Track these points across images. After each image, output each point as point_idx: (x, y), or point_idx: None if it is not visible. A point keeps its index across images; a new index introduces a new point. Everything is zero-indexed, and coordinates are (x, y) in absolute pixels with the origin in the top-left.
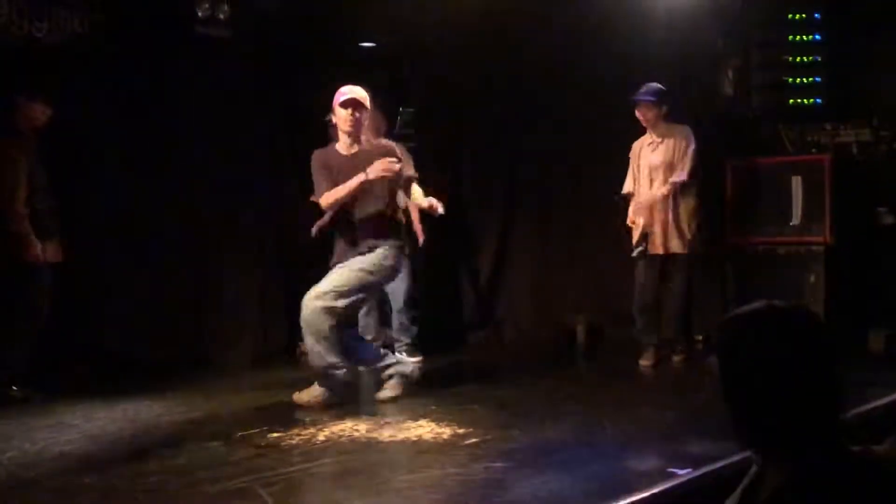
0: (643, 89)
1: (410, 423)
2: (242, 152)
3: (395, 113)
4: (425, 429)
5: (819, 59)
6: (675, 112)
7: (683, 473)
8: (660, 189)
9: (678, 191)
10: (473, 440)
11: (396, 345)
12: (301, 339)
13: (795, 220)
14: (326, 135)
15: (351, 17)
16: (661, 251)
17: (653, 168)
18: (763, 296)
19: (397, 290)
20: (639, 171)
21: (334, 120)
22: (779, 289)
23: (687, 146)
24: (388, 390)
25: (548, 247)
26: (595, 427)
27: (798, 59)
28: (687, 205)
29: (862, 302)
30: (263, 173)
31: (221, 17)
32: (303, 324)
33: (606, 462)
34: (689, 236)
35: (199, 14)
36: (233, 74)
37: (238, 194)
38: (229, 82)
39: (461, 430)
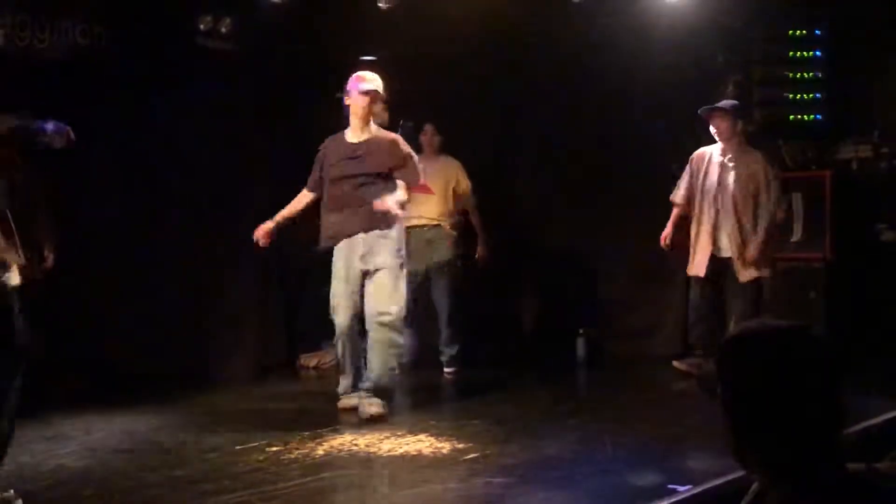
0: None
1: (410, 438)
2: (243, 164)
3: (395, 126)
4: (425, 443)
5: (819, 76)
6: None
7: (684, 490)
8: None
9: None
10: (473, 455)
11: (441, 357)
12: (302, 352)
13: (796, 237)
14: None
15: (351, 30)
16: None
17: (721, 188)
18: (764, 311)
19: (441, 304)
20: (702, 183)
21: (347, 101)
22: (778, 305)
23: (768, 177)
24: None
25: (548, 261)
26: (595, 443)
27: (799, 75)
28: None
29: (862, 318)
30: (263, 185)
31: (223, 29)
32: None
33: (606, 478)
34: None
35: (202, 27)
36: (234, 87)
37: (238, 206)
38: (230, 94)
39: (461, 445)
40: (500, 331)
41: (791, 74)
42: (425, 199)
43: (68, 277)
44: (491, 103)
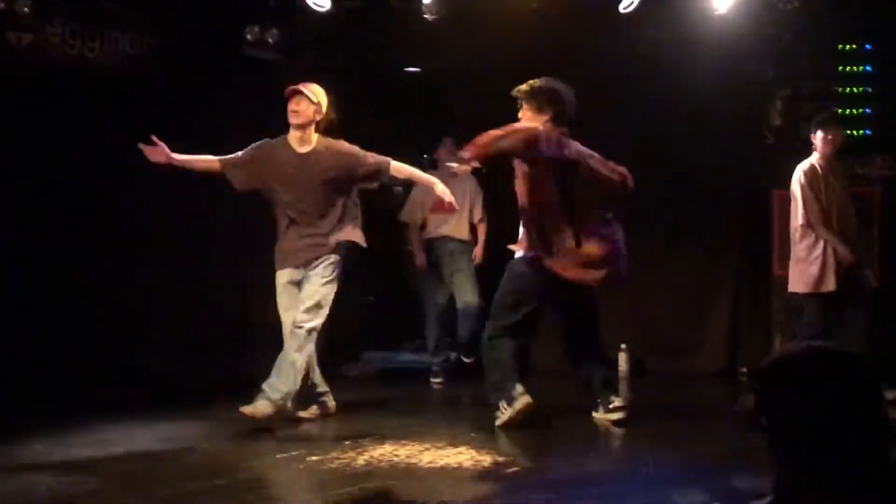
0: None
1: (450, 450)
2: None
3: (438, 139)
4: (465, 456)
5: (869, 91)
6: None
7: None
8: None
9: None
10: (514, 469)
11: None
12: (343, 362)
13: None
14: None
15: (397, 42)
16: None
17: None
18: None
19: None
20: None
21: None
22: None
23: None
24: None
25: None
26: (637, 460)
27: (848, 90)
28: None
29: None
30: None
31: (270, 40)
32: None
33: (649, 496)
34: None
35: (249, 37)
36: (280, 97)
37: None
38: (277, 105)
39: (501, 459)
40: (542, 344)
41: (840, 89)
42: (448, 216)
43: (115, 287)
44: None
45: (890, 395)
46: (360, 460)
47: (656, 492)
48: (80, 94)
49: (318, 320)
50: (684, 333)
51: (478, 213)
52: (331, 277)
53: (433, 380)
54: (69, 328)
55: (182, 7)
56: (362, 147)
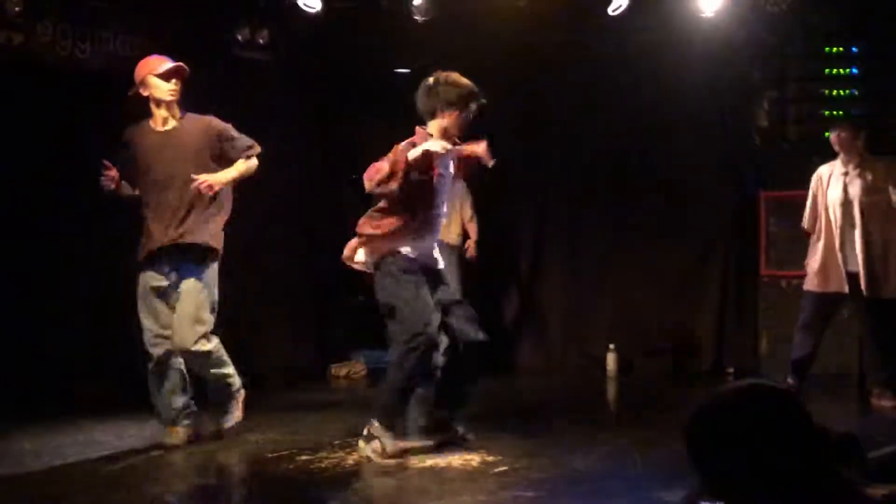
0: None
1: (440, 450)
2: (275, 175)
3: None
4: (454, 455)
5: (856, 93)
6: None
7: None
8: None
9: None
10: (502, 468)
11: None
12: (333, 362)
13: None
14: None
15: (387, 42)
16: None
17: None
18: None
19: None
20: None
21: (145, 93)
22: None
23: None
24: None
25: (578, 276)
26: (625, 458)
27: (835, 92)
28: None
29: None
30: (295, 195)
31: (261, 41)
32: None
33: (636, 493)
34: None
35: (239, 38)
36: (270, 98)
37: (272, 215)
38: (266, 105)
39: (490, 458)
40: (531, 344)
41: (827, 91)
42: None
43: (105, 284)
44: (525, 116)
45: (888, 402)
46: (350, 460)
47: (643, 490)
48: (71, 95)
49: (212, 342)
50: (672, 333)
51: (468, 212)
52: (206, 282)
53: None
54: (58, 325)
55: (173, 8)
56: (353, 148)
